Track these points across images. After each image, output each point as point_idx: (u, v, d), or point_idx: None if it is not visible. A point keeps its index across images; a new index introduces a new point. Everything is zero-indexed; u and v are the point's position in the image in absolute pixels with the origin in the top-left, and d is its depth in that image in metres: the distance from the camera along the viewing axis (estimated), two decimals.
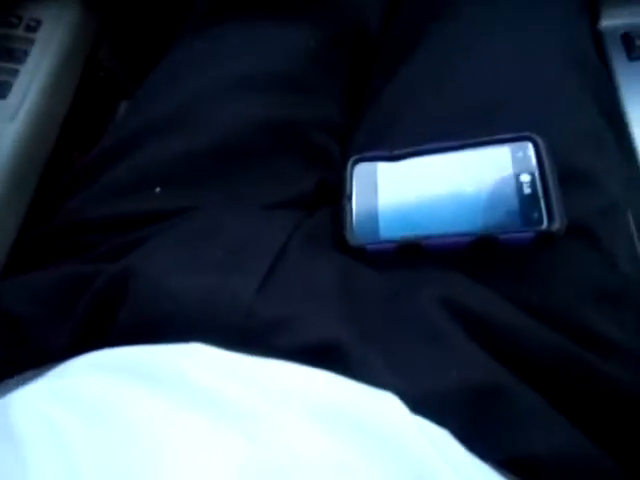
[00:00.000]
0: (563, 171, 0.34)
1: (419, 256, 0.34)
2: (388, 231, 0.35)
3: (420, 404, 0.25)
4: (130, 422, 0.23)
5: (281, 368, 0.27)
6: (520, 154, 0.35)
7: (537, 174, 0.34)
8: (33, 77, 0.55)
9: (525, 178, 0.34)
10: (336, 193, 0.40)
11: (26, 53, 0.56)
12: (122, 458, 0.21)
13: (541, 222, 0.32)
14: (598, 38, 0.52)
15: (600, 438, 0.29)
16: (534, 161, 0.34)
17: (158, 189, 0.38)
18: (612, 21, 0.53)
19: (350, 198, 0.37)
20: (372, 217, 0.36)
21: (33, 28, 0.57)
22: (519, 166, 0.34)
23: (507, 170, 0.35)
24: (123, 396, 0.24)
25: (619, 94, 0.49)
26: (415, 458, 0.22)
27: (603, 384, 0.30)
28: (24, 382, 0.27)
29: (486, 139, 0.36)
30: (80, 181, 0.41)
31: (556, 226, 0.32)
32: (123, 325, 0.30)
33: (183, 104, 0.42)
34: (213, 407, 0.24)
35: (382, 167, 0.38)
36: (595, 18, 0.53)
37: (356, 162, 0.39)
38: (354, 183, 0.38)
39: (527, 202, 0.33)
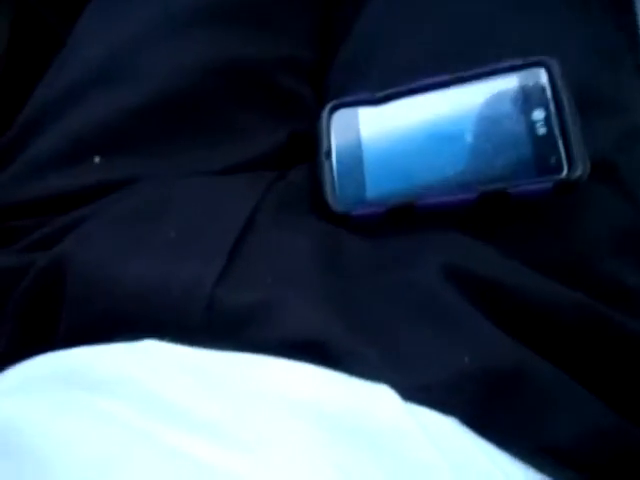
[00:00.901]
0: (578, 96, 0.30)
1: (415, 219, 0.30)
2: (376, 192, 0.31)
3: (425, 396, 0.23)
4: (40, 456, 0.20)
5: (252, 363, 0.24)
6: (530, 85, 0.30)
7: (553, 109, 0.29)
8: None
9: (538, 115, 0.29)
10: (311, 147, 0.34)
11: None
12: None
13: (560, 169, 0.28)
14: None
15: (626, 404, 0.27)
16: (548, 92, 0.29)
17: (97, 158, 0.34)
18: None
19: (329, 154, 0.32)
20: (356, 176, 0.31)
21: None
22: (530, 100, 0.29)
23: (516, 106, 0.30)
24: (44, 423, 0.21)
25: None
26: (409, 457, 0.21)
27: (625, 339, 0.28)
28: None
29: (487, 68, 0.31)
30: (4, 155, 0.36)
31: (578, 173, 0.27)
32: (64, 324, 0.27)
33: (115, 53, 0.36)
34: (168, 420, 0.21)
35: (365, 113, 0.32)
36: None
37: (333, 109, 0.33)
38: (333, 135, 0.32)
39: (542, 145, 0.29)
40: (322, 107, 0.34)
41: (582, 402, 0.26)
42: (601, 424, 0.26)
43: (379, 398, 0.22)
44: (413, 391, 0.23)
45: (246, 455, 0.20)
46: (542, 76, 0.29)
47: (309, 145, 0.35)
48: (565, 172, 0.27)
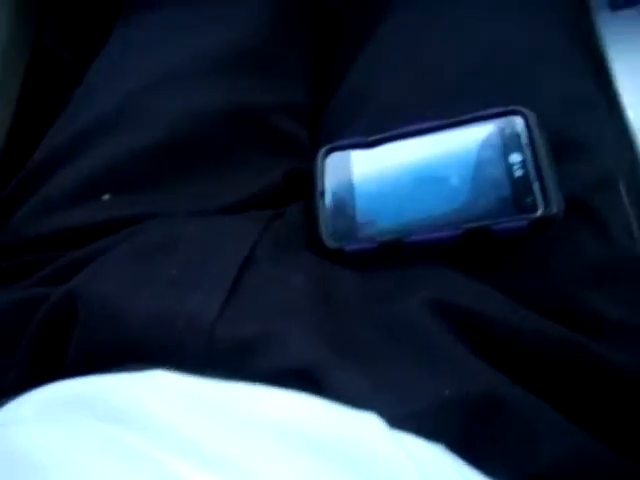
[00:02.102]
0: (554, 141, 0.31)
1: (403, 254, 0.31)
2: (367, 229, 0.32)
3: (410, 424, 0.24)
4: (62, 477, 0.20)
5: (249, 393, 0.24)
6: (508, 131, 0.32)
7: (528, 153, 0.31)
8: None
9: (515, 158, 0.31)
10: (307, 185, 0.36)
11: None
12: None
13: (536, 208, 0.29)
14: None
15: (608, 432, 0.28)
16: (524, 138, 0.31)
17: (106, 196, 0.35)
18: None
19: (323, 194, 0.34)
20: (349, 214, 0.33)
21: None
22: (508, 145, 0.31)
23: (495, 150, 0.31)
24: (61, 450, 0.21)
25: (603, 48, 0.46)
26: (394, 477, 0.21)
27: (604, 370, 0.29)
28: None
29: (469, 116, 0.33)
30: (20, 194, 0.38)
31: (553, 211, 0.29)
32: (75, 354, 0.28)
33: (125, 99, 0.38)
34: (177, 449, 0.21)
35: (356, 156, 0.34)
36: None
37: (327, 152, 0.35)
38: (327, 176, 0.34)
39: (519, 186, 0.30)
40: (316, 148, 0.36)
41: (563, 431, 0.27)
42: (581, 452, 0.26)
43: (367, 426, 0.23)
44: (399, 419, 0.23)
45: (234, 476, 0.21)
46: (519, 123, 0.31)
47: (305, 183, 0.37)
48: (541, 211, 0.29)
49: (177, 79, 0.38)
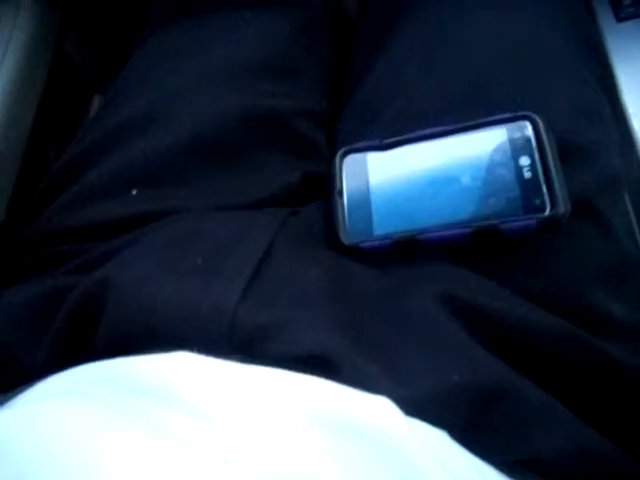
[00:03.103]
0: (562, 146, 0.32)
1: (417, 251, 0.33)
2: (382, 227, 0.33)
3: (419, 408, 0.25)
4: (94, 449, 0.21)
5: (270, 375, 0.26)
6: (518, 135, 0.33)
7: (537, 156, 0.32)
8: None
9: (525, 161, 0.32)
10: (324, 186, 0.38)
11: None
12: None
13: (544, 208, 0.30)
14: None
15: (610, 427, 0.29)
16: (533, 142, 0.32)
17: (134, 191, 0.37)
18: None
19: (341, 193, 0.35)
20: (365, 213, 0.34)
21: None
22: (518, 148, 0.32)
23: (505, 153, 0.33)
24: (92, 422, 0.23)
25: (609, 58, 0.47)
26: (408, 463, 0.22)
27: (610, 366, 0.30)
28: None
29: (481, 121, 0.34)
30: (54, 188, 0.39)
31: (560, 211, 0.30)
32: (102, 339, 0.29)
33: (156, 100, 0.40)
34: (203, 422, 0.23)
35: (372, 158, 0.36)
36: None
37: (345, 154, 0.36)
38: (344, 177, 0.36)
39: (528, 187, 0.31)
40: (333, 151, 0.38)
41: (565, 421, 0.28)
42: (584, 444, 0.27)
43: (379, 407, 0.24)
44: (407, 403, 0.24)
45: (258, 448, 0.22)
46: (528, 128, 0.32)
47: (321, 185, 0.39)
48: (548, 210, 0.30)
49: (206, 84, 0.40)
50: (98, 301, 0.30)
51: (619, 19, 0.53)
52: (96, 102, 0.66)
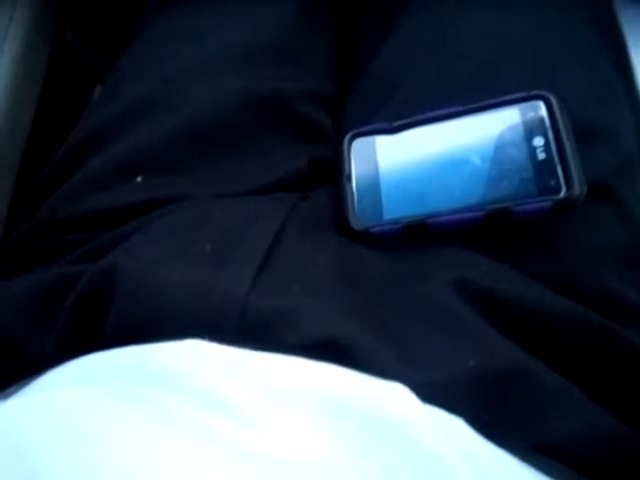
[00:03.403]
0: (576, 127, 0.32)
1: (428, 236, 0.32)
2: (392, 211, 0.33)
3: (435, 394, 0.24)
4: (109, 441, 0.21)
5: (284, 362, 0.25)
6: (531, 115, 0.32)
7: (551, 136, 0.31)
8: None
9: (538, 142, 0.31)
10: (331, 171, 0.37)
11: None
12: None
13: (559, 190, 0.30)
14: None
15: (625, 411, 0.28)
16: (547, 122, 0.32)
17: (139, 178, 0.36)
18: None
19: (350, 177, 0.34)
20: (374, 197, 0.34)
21: None
22: (531, 129, 0.32)
23: (518, 134, 0.32)
24: (106, 411, 0.22)
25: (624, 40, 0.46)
26: (426, 449, 0.21)
27: (627, 352, 0.29)
28: (5, 398, 0.25)
29: (493, 101, 0.33)
30: (56, 177, 0.39)
31: (576, 193, 0.29)
32: (112, 326, 0.29)
33: (159, 85, 0.39)
34: (214, 409, 0.22)
35: (381, 141, 0.35)
36: None
37: (353, 137, 0.36)
38: (353, 161, 0.35)
39: (542, 168, 0.31)
40: (340, 136, 0.37)
41: (582, 406, 0.27)
42: (600, 428, 0.27)
43: (396, 393, 0.23)
44: (423, 389, 0.24)
45: (275, 439, 0.21)
46: (541, 107, 0.32)
47: (328, 169, 0.38)
48: (564, 192, 0.29)
49: (208, 68, 0.39)
50: (106, 288, 0.29)
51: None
52: (98, 91, 0.65)
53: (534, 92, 0.32)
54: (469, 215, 0.31)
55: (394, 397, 0.23)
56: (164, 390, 0.23)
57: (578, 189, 0.29)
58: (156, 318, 0.28)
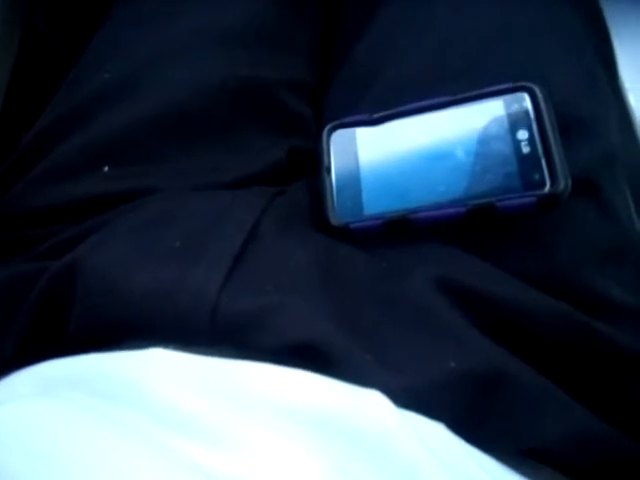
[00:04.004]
0: (560, 118, 0.31)
1: (409, 231, 0.31)
2: (373, 206, 0.32)
3: (415, 399, 0.24)
4: (68, 460, 0.20)
5: (256, 372, 0.24)
6: (516, 107, 0.31)
7: (536, 129, 0.30)
8: None
9: (522, 135, 0.31)
10: (310, 163, 0.36)
11: None
12: None
13: (543, 184, 0.29)
14: None
15: (610, 412, 0.28)
16: (532, 114, 0.31)
17: (106, 168, 0.34)
18: None
19: (329, 171, 0.33)
20: (354, 191, 0.32)
21: None
22: (515, 121, 0.31)
23: (502, 127, 0.31)
24: (62, 428, 0.21)
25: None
26: (404, 460, 0.21)
27: (611, 351, 0.29)
28: None
29: (476, 93, 0.32)
30: (22, 164, 0.37)
31: (560, 188, 0.29)
32: (74, 328, 0.28)
33: (129, 70, 0.37)
34: (177, 428, 0.21)
35: (362, 133, 0.34)
36: None
37: (333, 129, 0.35)
38: (332, 153, 0.34)
39: (526, 162, 0.30)
40: (320, 126, 0.36)
41: (566, 407, 0.27)
42: (585, 429, 0.26)
43: (372, 402, 0.23)
44: (403, 393, 0.23)
45: (244, 459, 0.20)
46: (526, 100, 0.31)
47: (308, 162, 0.37)
48: (548, 187, 0.29)
49: (182, 52, 0.38)
50: (68, 288, 0.28)
51: None
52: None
53: (519, 83, 0.31)
54: (452, 211, 0.30)
55: (371, 406, 0.22)
56: (125, 405, 0.22)
57: (563, 184, 0.29)
58: (121, 320, 0.27)
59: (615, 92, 0.40)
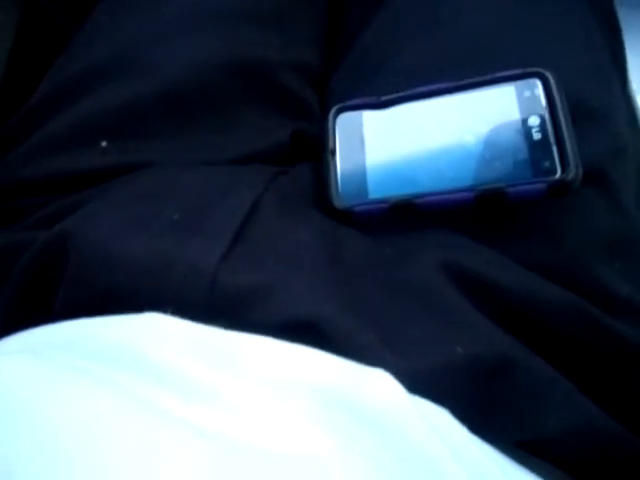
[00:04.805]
0: (572, 107, 0.30)
1: (415, 217, 0.30)
2: (378, 190, 0.31)
3: (420, 383, 0.23)
4: (52, 419, 0.19)
5: (256, 343, 0.23)
6: (527, 93, 0.31)
7: (547, 116, 0.30)
8: None
9: (534, 121, 0.30)
10: (314, 148, 0.35)
11: None
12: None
13: (554, 171, 0.28)
14: None
15: (614, 406, 0.27)
16: (543, 101, 0.30)
17: (104, 143, 0.33)
18: None
19: (334, 153, 0.32)
20: (359, 174, 0.32)
21: None
22: (526, 108, 0.30)
23: (513, 113, 0.30)
24: (44, 385, 0.20)
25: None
26: (412, 441, 0.20)
27: (616, 345, 0.29)
28: None
29: (487, 77, 0.31)
30: (14, 136, 0.36)
31: (571, 175, 0.28)
32: (63, 299, 0.27)
33: (131, 44, 0.36)
34: (173, 389, 0.20)
35: (369, 116, 0.33)
36: None
37: (339, 111, 0.34)
38: (337, 135, 0.33)
39: (537, 149, 0.29)
40: (324, 110, 0.35)
41: (572, 398, 0.26)
42: (590, 422, 0.26)
43: (379, 380, 0.22)
44: (407, 377, 0.22)
45: (241, 419, 0.20)
46: (537, 86, 0.30)
47: (311, 146, 0.36)
48: (559, 174, 0.28)
49: (185, 28, 0.37)
50: (58, 258, 0.27)
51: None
52: None
53: (530, 69, 0.31)
54: (460, 196, 0.29)
55: (378, 384, 0.22)
56: (114, 365, 0.21)
57: (574, 171, 0.28)
58: (113, 292, 0.25)
59: (623, 88, 0.39)
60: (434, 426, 0.21)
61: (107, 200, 0.30)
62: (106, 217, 0.28)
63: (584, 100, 0.32)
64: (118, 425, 0.18)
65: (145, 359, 0.21)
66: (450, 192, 0.30)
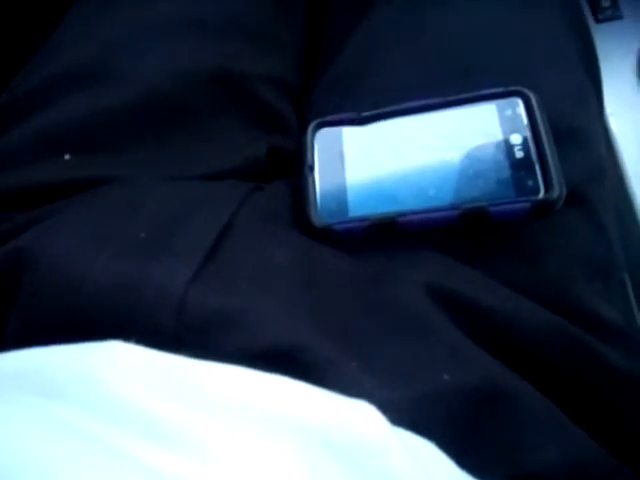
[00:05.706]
0: (552, 129, 0.30)
1: (396, 236, 0.29)
2: (359, 208, 0.30)
3: (405, 413, 0.21)
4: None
5: (226, 373, 0.21)
6: (509, 112, 0.30)
7: (529, 135, 0.29)
8: None
9: (516, 140, 0.30)
10: (291, 164, 0.34)
11: None
12: None
13: (537, 191, 0.28)
14: None
15: (602, 433, 0.27)
16: (525, 120, 0.30)
17: (67, 156, 0.31)
18: None
19: (312, 169, 0.31)
20: (339, 191, 0.30)
21: None
22: (508, 126, 0.30)
23: (495, 131, 0.30)
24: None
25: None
26: (393, 474, 0.18)
27: (600, 366, 0.28)
28: None
29: (469, 95, 0.31)
30: None
31: (555, 195, 0.28)
32: (16, 324, 0.24)
33: (99, 53, 0.35)
34: (133, 428, 0.18)
35: (348, 132, 0.32)
36: None
37: (318, 126, 0.33)
38: (316, 151, 0.32)
39: (520, 168, 0.29)
40: (302, 125, 0.34)
41: (564, 430, 0.25)
42: (585, 455, 0.25)
43: (361, 413, 0.20)
44: (391, 406, 0.21)
45: (209, 464, 0.18)
46: (519, 104, 0.30)
47: (288, 163, 0.35)
48: (542, 193, 0.28)
49: (160, 36, 0.35)
50: (10, 278, 0.25)
51: (598, 20, 0.53)
52: None
53: (512, 88, 0.31)
54: (442, 214, 0.29)
55: (359, 417, 0.20)
56: (71, 402, 0.19)
57: (557, 190, 0.28)
58: (70, 317, 0.23)
59: (600, 110, 0.40)
60: (419, 462, 0.19)
61: (68, 215, 0.28)
62: (66, 234, 0.26)
63: (565, 121, 0.32)
64: (67, 470, 0.16)
65: (108, 395, 0.19)
66: (433, 210, 0.29)
